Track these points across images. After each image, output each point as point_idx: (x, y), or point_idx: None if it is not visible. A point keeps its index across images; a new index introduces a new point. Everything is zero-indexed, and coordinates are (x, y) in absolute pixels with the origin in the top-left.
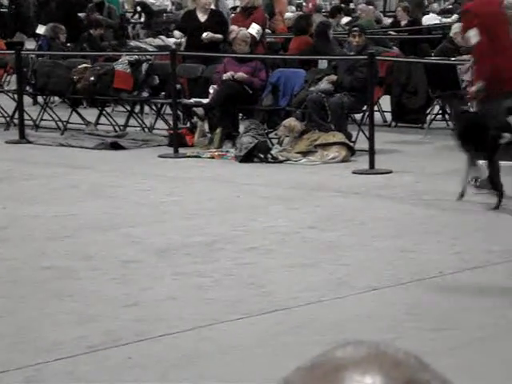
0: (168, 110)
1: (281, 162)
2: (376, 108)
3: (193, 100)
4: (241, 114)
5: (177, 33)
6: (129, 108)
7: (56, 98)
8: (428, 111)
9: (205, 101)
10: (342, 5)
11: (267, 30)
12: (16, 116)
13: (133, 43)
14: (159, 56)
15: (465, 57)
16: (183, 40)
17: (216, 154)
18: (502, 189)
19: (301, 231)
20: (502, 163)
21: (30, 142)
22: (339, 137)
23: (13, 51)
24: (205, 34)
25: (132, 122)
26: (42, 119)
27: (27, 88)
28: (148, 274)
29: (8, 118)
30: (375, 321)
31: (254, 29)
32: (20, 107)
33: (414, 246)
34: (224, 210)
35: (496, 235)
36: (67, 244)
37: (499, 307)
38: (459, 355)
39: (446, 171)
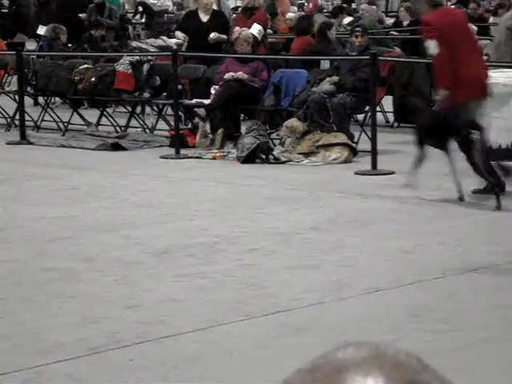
0: (169, 111)
1: (283, 162)
2: (378, 108)
3: (194, 101)
4: (242, 115)
5: (179, 34)
6: (130, 109)
7: (57, 99)
8: None
9: (206, 101)
10: (344, 5)
11: (269, 31)
12: (17, 117)
13: (134, 44)
14: (160, 57)
15: None
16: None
17: (218, 154)
18: (495, 180)
19: (303, 232)
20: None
21: (30, 143)
22: (341, 137)
23: (13, 52)
24: (212, 35)
25: (133, 122)
26: (42, 120)
27: (28, 89)
28: (149, 276)
29: (9, 119)
30: (377, 322)
31: (256, 29)
32: (21, 108)
33: (416, 246)
34: (226, 210)
35: (499, 236)
36: (68, 245)
37: (502, 308)
38: (462, 356)
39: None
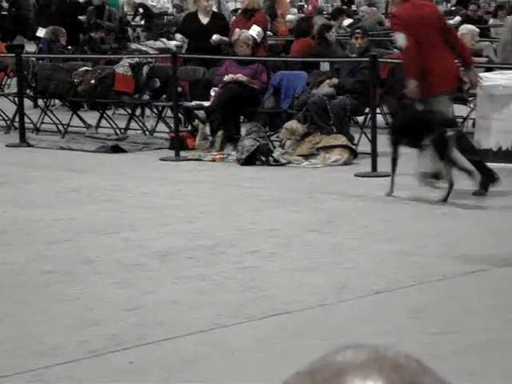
0: (169, 113)
1: (283, 164)
2: (378, 110)
3: (194, 103)
4: (242, 117)
5: (179, 36)
6: (130, 111)
7: (56, 101)
8: None
9: (206, 103)
10: (344, 7)
11: (269, 33)
12: (16, 119)
13: (134, 46)
14: (160, 59)
15: None
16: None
17: (217, 157)
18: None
19: (303, 234)
20: (502, 165)
21: (30, 146)
22: (341, 139)
23: (13, 54)
24: (214, 37)
25: (133, 124)
26: (42, 122)
27: (28, 91)
28: (150, 278)
29: (8, 122)
30: (377, 324)
31: (255, 31)
32: (20, 110)
33: (416, 249)
34: (225, 213)
35: (499, 238)
36: (68, 248)
37: (503, 310)
38: (462, 359)
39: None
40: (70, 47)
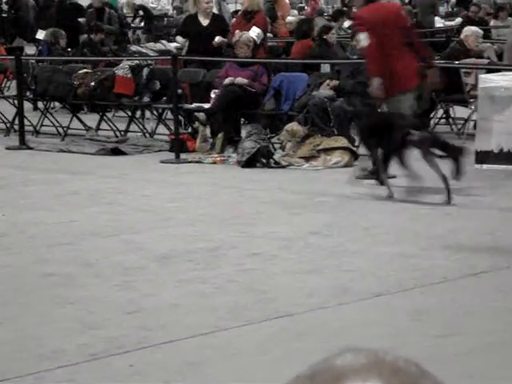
0: (169, 115)
1: (283, 167)
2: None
3: (194, 105)
4: (243, 119)
5: (180, 39)
6: (130, 113)
7: (56, 104)
8: (432, 115)
9: (206, 106)
10: (345, 8)
11: (269, 34)
12: (16, 122)
13: (133, 48)
14: (160, 61)
15: (467, 60)
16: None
17: (218, 159)
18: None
19: (303, 237)
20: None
21: (30, 148)
22: (342, 141)
23: (13, 56)
24: (217, 39)
25: (133, 127)
26: (42, 125)
27: (27, 93)
28: (150, 281)
29: (8, 124)
30: (378, 327)
31: (254, 32)
32: (20, 113)
33: (417, 251)
34: (226, 215)
35: (501, 240)
36: (69, 250)
37: (505, 313)
38: (464, 362)
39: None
40: (69, 49)
